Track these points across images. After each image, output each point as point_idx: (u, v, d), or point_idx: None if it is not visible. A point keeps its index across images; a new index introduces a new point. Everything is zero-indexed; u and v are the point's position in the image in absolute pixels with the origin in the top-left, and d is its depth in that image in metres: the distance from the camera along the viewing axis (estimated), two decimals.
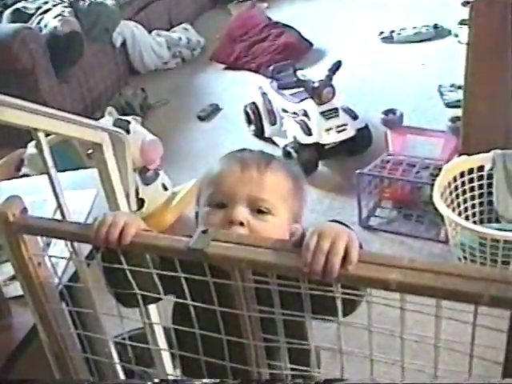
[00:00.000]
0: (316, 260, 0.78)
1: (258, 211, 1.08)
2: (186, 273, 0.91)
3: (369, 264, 0.77)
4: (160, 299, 1.04)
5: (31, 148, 2.90)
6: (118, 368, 1.44)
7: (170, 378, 1.54)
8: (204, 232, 0.85)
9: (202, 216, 1.12)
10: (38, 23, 3.78)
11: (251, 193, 1.08)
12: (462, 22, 4.40)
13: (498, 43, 2.32)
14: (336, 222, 0.91)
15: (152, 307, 1.48)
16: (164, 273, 0.93)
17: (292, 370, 0.96)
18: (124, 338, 1.38)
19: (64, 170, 1.68)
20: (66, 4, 3.94)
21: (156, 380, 1.53)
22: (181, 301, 0.96)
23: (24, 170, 2.90)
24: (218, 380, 1.01)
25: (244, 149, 1.20)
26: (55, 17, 3.76)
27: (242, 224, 1.05)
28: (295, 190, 1.15)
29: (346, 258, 0.79)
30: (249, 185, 1.08)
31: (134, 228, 0.92)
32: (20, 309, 1.32)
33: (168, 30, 5.02)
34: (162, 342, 1.53)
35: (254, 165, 1.11)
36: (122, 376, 1.46)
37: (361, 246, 0.90)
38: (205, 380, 1.16)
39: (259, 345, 0.94)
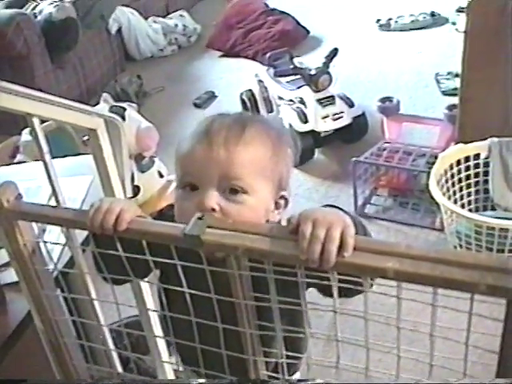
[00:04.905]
0: (312, 248, 0.78)
1: (232, 191, 0.99)
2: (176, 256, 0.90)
3: (365, 251, 0.77)
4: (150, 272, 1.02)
5: (26, 135, 2.88)
6: (114, 355, 1.44)
7: (166, 365, 1.54)
8: (200, 218, 0.84)
9: (176, 199, 1.05)
10: (33, 9, 3.76)
11: (221, 173, 0.98)
12: (459, 10, 4.38)
13: (495, 31, 2.31)
14: (331, 206, 0.90)
15: (147, 294, 1.48)
16: (158, 259, 0.92)
17: (287, 357, 0.96)
18: (120, 326, 1.38)
19: (59, 158, 1.67)
20: None
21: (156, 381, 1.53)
22: (172, 287, 0.95)
23: (19, 157, 2.89)
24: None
25: (221, 114, 1.08)
26: (51, 3, 3.73)
27: (213, 210, 0.97)
28: (277, 156, 1.04)
29: (341, 245, 0.78)
30: (217, 164, 0.98)
31: (130, 214, 0.91)
32: (15, 295, 1.31)
33: (164, 16, 4.99)
34: (157, 329, 1.53)
35: (221, 140, 0.99)
36: (117, 363, 1.46)
37: (364, 228, 0.89)
38: (201, 380, 1.16)
39: (255, 333, 0.94)
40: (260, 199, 1.02)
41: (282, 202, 1.08)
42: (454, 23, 4.50)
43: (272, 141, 1.05)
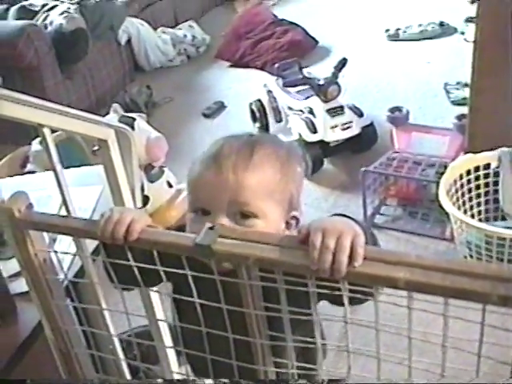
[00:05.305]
0: (323, 258, 0.78)
1: (242, 216, 1.00)
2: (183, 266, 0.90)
3: (376, 261, 0.77)
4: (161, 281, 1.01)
5: (36, 145, 2.89)
6: (123, 365, 1.44)
7: (175, 375, 1.54)
8: (211, 228, 0.85)
9: (187, 222, 1.06)
10: (44, 20, 3.79)
11: (231, 198, 0.99)
12: (468, 20, 4.38)
13: (504, 41, 2.31)
14: (342, 215, 0.90)
15: (157, 304, 1.48)
16: (168, 269, 0.92)
17: (298, 368, 0.95)
18: (129, 335, 1.38)
19: (69, 168, 1.68)
20: (72, 1, 3.94)
21: (159, 380, 1.52)
22: (186, 298, 0.95)
23: (29, 167, 2.90)
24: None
25: (231, 136, 1.09)
26: (61, 14, 3.76)
27: None
28: (286, 177, 1.05)
29: (352, 254, 0.78)
30: (226, 190, 0.99)
31: (141, 224, 0.92)
32: (25, 305, 1.31)
33: (173, 27, 5.01)
34: (167, 339, 1.53)
35: (230, 165, 1.00)
36: (127, 373, 1.46)
37: (373, 237, 0.89)
38: (207, 381, 1.15)
39: (266, 343, 0.94)
40: (270, 222, 1.02)
41: (293, 221, 1.08)
42: (462, 33, 4.50)
43: (281, 162, 1.05)
